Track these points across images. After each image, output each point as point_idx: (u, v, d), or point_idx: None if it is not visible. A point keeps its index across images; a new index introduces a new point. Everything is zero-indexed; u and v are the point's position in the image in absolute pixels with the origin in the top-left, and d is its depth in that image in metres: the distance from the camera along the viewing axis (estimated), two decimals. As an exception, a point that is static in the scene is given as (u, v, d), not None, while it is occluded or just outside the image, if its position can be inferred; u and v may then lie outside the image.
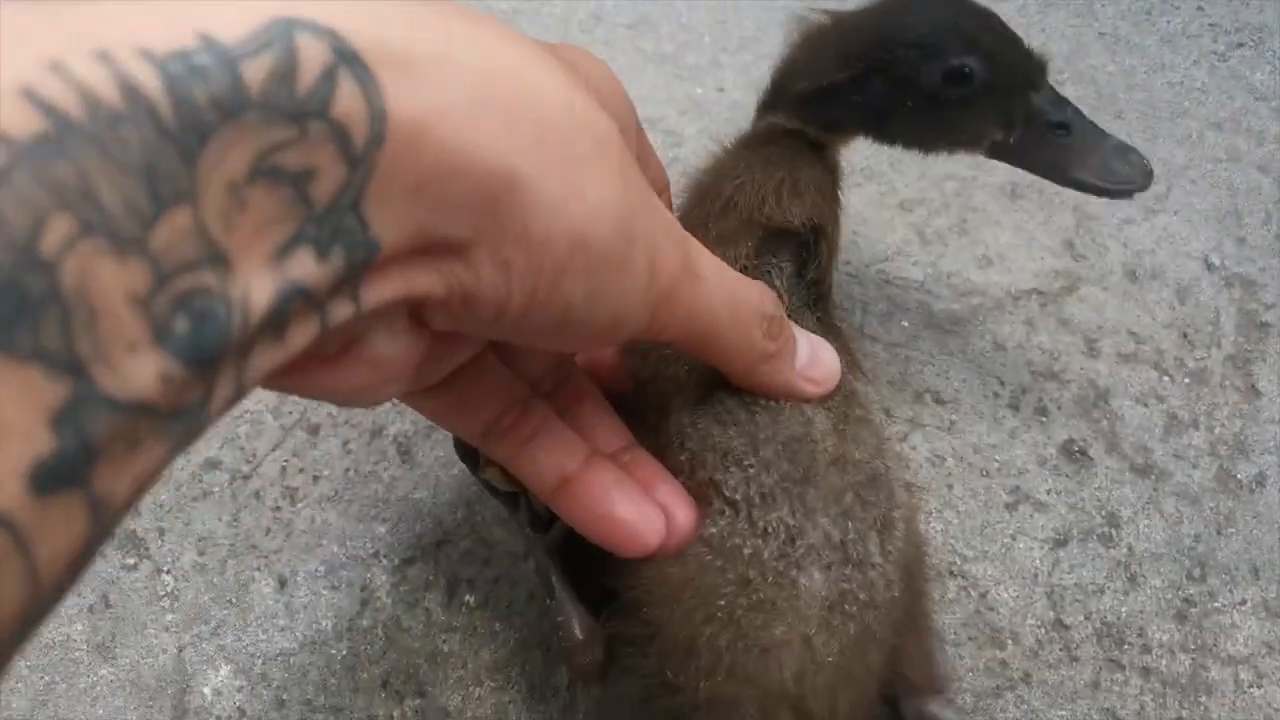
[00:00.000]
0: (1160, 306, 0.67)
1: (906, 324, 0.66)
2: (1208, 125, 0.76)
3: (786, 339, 0.42)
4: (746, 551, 0.39)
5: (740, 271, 0.43)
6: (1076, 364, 0.64)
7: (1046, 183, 0.71)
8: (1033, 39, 0.75)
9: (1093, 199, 0.71)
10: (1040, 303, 0.67)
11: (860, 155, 0.72)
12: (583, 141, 0.31)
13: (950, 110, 0.48)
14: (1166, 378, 0.64)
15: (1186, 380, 0.64)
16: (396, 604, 0.57)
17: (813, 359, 0.44)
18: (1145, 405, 0.63)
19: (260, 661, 0.55)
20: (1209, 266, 0.69)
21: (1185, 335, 0.66)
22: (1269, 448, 0.61)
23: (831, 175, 0.53)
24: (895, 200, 0.71)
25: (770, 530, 0.39)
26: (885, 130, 0.51)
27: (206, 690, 0.55)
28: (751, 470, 0.41)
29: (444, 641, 0.56)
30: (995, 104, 0.48)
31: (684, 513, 0.41)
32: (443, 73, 0.27)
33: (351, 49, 0.25)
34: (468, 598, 0.57)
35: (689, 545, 0.40)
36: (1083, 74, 0.78)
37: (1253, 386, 0.63)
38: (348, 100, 0.25)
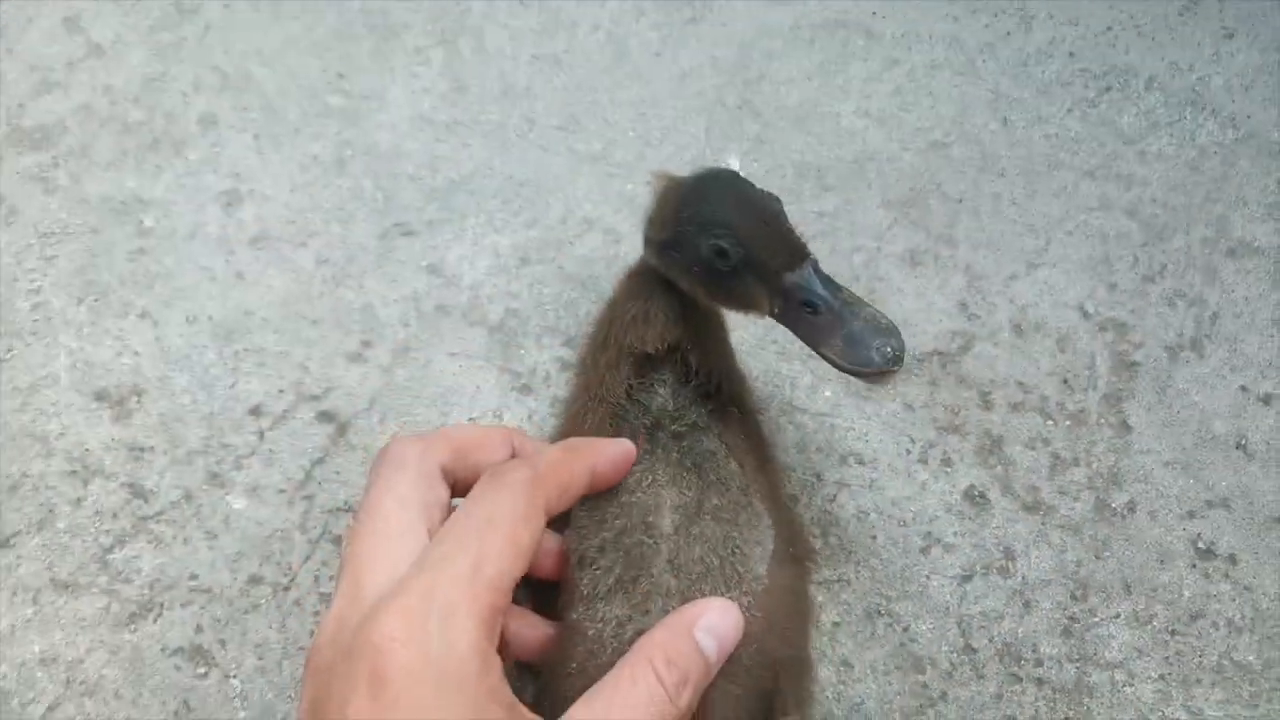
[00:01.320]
0: (1044, 356, 0.78)
1: (829, 394, 0.77)
2: (1081, 174, 0.86)
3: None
4: (591, 632, 0.53)
5: (626, 393, 0.61)
6: (974, 417, 0.76)
7: (941, 247, 0.82)
8: (920, 104, 0.86)
9: (983, 257, 0.82)
10: (941, 363, 0.78)
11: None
12: None
13: (724, 279, 0.55)
14: (1050, 422, 0.76)
15: (1068, 423, 0.76)
16: (427, 690, 0.69)
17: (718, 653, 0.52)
18: (1033, 449, 0.75)
19: (321, 750, 0.67)
20: (1084, 314, 0.80)
21: (1065, 381, 0.77)
22: (1138, 476, 0.73)
23: (688, 298, 0.60)
24: (813, 276, 0.82)
25: (605, 619, 0.53)
26: (696, 285, 0.59)
27: (281, 779, 0.67)
28: (598, 572, 0.54)
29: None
30: (756, 279, 0.54)
31: None
32: None
33: None
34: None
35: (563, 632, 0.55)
36: (968, 134, 0.88)
37: (1124, 422, 0.75)
38: None
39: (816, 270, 0.54)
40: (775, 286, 0.54)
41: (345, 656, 0.44)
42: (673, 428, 0.60)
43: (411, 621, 0.43)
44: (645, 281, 0.63)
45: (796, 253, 0.55)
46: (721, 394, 0.63)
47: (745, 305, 0.57)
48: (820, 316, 0.53)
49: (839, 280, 0.56)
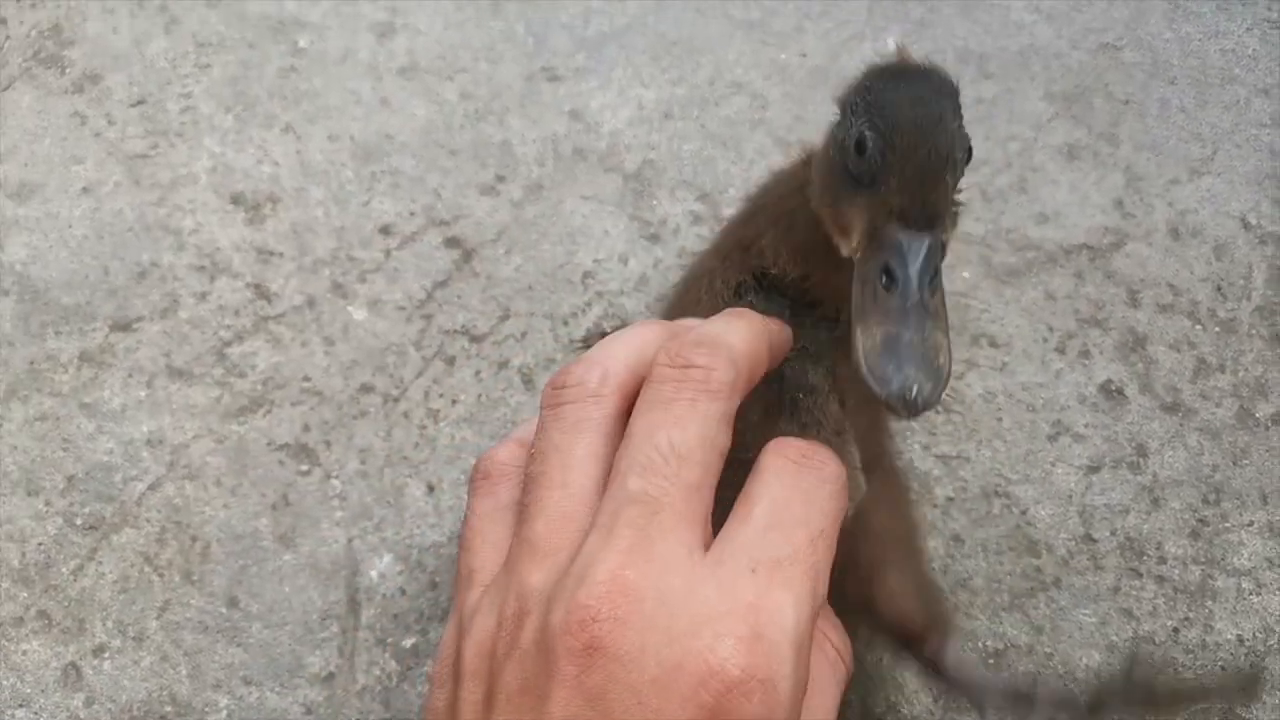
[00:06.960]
0: (1199, 262, 0.75)
1: (967, 275, 0.74)
2: (1256, 91, 0.82)
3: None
4: None
5: (736, 290, 0.50)
6: (1119, 313, 0.73)
7: (1101, 144, 0.79)
8: (1094, 5, 0.83)
9: (1145, 159, 0.79)
10: (1090, 257, 0.75)
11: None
12: None
13: (842, 183, 0.43)
14: (1199, 326, 0.72)
15: (1217, 329, 0.72)
16: (526, 508, 0.68)
17: None
18: (1178, 351, 0.71)
19: (416, 551, 0.67)
20: (1245, 225, 0.76)
21: (1219, 288, 0.74)
22: (1287, 390, 0.70)
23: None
24: (962, 161, 0.79)
25: None
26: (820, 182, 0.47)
27: (373, 573, 0.67)
28: None
29: (565, 540, 0.67)
30: (867, 204, 0.41)
31: None
32: None
33: None
34: (585, 504, 0.68)
35: None
36: (1141, 40, 0.84)
37: (1277, 335, 0.72)
38: None
39: (932, 251, 0.41)
40: (877, 226, 0.41)
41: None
42: None
43: None
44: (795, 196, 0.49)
45: (930, 211, 0.41)
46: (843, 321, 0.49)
47: (840, 227, 0.44)
48: (888, 296, 0.40)
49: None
